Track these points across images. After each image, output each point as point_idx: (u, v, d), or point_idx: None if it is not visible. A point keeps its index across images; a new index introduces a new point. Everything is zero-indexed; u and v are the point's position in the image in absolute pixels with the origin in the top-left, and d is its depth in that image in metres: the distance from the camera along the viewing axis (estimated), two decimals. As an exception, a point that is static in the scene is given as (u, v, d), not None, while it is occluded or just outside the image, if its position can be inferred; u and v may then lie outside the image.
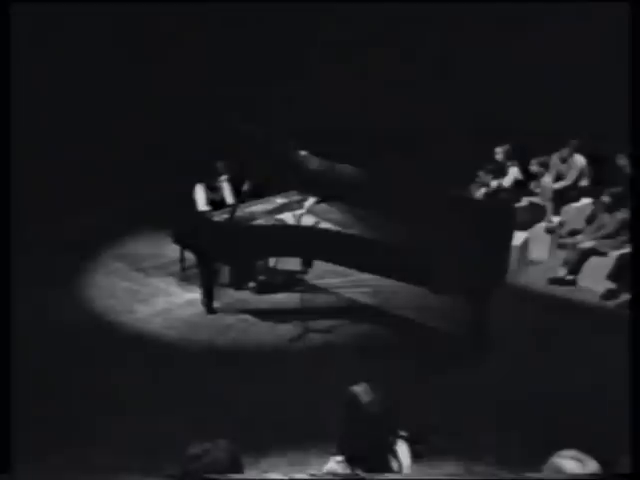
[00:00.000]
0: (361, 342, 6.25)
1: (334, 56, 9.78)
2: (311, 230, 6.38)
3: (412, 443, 3.20)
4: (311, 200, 6.73)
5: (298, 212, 6.70)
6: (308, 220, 6.58)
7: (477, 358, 5.93)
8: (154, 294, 7.07)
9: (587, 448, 4.62)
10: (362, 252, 6.00)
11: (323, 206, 6.76)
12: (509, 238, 6.17)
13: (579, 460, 2.69)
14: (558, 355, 6.06)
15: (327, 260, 6.29)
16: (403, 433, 3.19)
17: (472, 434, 5.05)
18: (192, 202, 7.30)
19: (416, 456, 3.21)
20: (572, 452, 2.73)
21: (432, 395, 5.44)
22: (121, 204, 8.60)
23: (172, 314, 6.72)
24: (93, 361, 5.90)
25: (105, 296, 7.06)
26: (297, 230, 6.42)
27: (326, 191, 6.58)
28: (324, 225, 6.48)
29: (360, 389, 3.12)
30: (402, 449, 3.16)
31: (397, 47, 9.70)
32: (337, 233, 6.25)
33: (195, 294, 6.93)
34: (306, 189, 6.77)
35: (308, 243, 6.27)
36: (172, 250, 7.48)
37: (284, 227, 6.51)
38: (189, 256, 7.15)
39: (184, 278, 7.30)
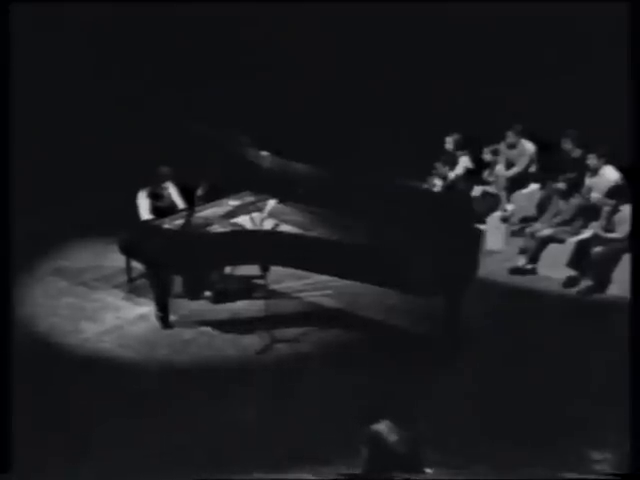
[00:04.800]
0: (332, 350, 5.96)
1: (288, 54, 9.45)
2: (272, 234, 6.03)
3: (438, 480, 2.95)
4: (272, 202, 6.35)
5: (257, 215, 6.32)
6: (267, 223, 6.23)
7: (454, 359, 5.74)
8: (101, 310, 6.57)
9: (571, 444, 4.48)
10: (329, 256, 5.71)
11: (281, 207, 6.41)
12: (477, 232, 6.02)
13: None
14: (534, 349, 5.92)
15: (293, 266, 5.96)
16: (429, 470, 2.94)
17: (459, 440, 4.84)
18: (137, 208, 6.82)
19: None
20: None
21: (413, 400, 5.21)
22: (56, 211, 7.95)
23: (124, 331, 6.26)
24: (40, 388, 5.40)
25: (46, 314, 6.51)
26: (257, 235, 6.05)
27: (282, 191, 6.24)
28: (284, 228, 6.14)
29: (383, 427, 2.83)
30: (429, 488, 2.90)
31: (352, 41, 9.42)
32: (301, 236, 5.94)
33: (147, 307, 6.47)
34: (261, 189, 6.40)
35: (269, 248, 5.91)
36: (114, 259, 6.98)
37: (243, 232, 6.13)
38: (136, 265, 6.68)
39: (132, 290, 6.80)
